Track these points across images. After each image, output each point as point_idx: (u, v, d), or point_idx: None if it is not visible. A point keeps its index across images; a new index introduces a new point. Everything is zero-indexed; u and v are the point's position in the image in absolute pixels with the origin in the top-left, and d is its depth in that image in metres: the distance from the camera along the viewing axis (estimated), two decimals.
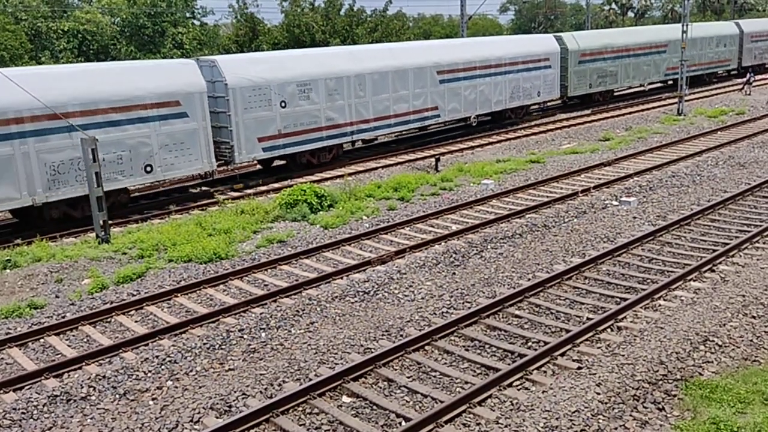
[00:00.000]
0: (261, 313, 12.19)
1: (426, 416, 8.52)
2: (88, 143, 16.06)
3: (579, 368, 9.69)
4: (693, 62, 42.64)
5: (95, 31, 47.61)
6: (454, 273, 13.88)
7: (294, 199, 18.67)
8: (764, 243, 14.72)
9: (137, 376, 10.16)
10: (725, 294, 12.04)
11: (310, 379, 9.78)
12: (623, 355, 9.95)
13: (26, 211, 18.29)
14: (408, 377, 9.87)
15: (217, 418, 9.00)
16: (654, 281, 12.83)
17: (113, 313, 12.55)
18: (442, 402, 8.99)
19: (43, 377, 10.21)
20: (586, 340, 10.59)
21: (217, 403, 9.30)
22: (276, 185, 22.59)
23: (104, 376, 10.13)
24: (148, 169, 19.46)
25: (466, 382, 9.58)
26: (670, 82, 42.24)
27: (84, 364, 10.61)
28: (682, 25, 34.45)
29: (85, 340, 11.69)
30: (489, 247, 15.33)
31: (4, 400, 9.69)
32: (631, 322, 11.15)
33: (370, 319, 11.85)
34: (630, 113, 35.39)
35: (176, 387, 9.84)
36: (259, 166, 25.49)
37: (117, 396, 9.65)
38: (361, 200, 19.60)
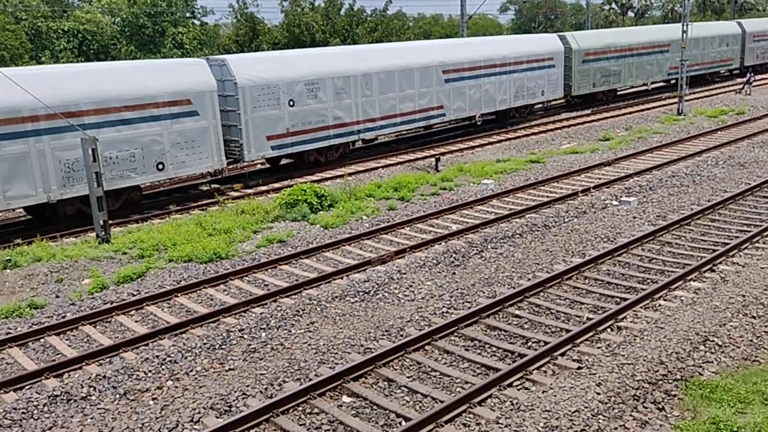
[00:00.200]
0: (261, 313, 12.19)
1: (426, 416, 8.53)
2: (88, 143, 16.07)
3: (579, 368, 9.69)
4: (696, 62, 42.76)
5: (95, 31, 47.62)
6: (454, 273, 13.88)
7: (294, 199, 18.68)
8: (764, 243, 14.72)
9: (137, 376, 10.17)
10: (725, 294, 12.05)
11: (310, 379, 9.78)
12: (623, 355, 9.96)
13: (40, 209, 18.50)
14: (408, 377, 9.87)
15: (217, 418, 9.00)
16: (654, 281, 12.84)
17: (113, 313, 12.56)
18: (442, 402, 8.99)
19: (43, 377, 10.22)
20: (586, 340, 10.59)
21: (218, 403, 9.30)
22: (276, 185, 22.60)
23: (104, 376, 10.13)
24: (160, 166, 19.70)
25: (466, 382, 9.59)
26: (672, 82, 42.29)
27: (84, 364, 10.61)
28: (683, 25, 34.48)
29: (85, 340, 11.69)
30: (489, 247, 15.33)
31: (5, 400, 9.69)
32: (631, 322, 11.15)
33: (370, 319, 11.86)
34: (630, 113, 35.40)
35: (176, 387, 9.84)
36: (267, 165, 25.66)
37: (117, 396, 9.65)
38: (361, 200, 19.60)
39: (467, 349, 10.63)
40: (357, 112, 25.12)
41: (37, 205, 17.94)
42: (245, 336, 11.34)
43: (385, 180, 21.91)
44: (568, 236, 15.86)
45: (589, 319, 11.41)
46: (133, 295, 13.37)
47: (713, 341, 10.40)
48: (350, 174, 23.23)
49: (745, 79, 41.66)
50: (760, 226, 15.55)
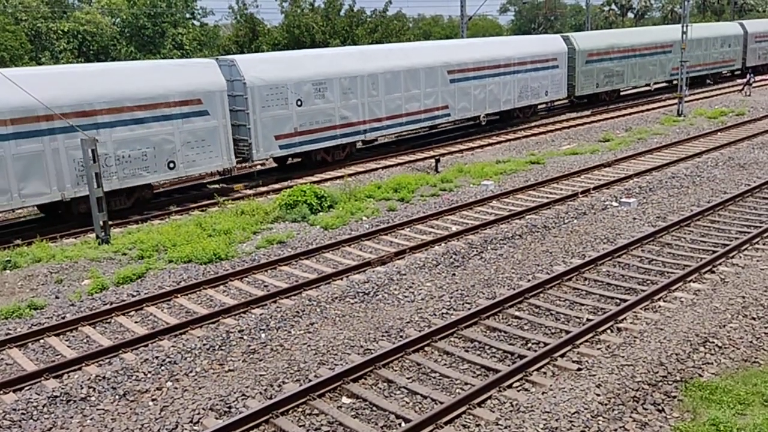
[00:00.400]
0: (261, 314, 12.19)
1: (426, 417, 8.53)
2: (87, 143, 16.07)
3: (579, 369, 9.69)
4: (698, 62, 42.95)
5: (95, 32, 47.62)
6: (453, 274, 13.88)
7: (294, 199, 18.67)
8: (764, 244, 14.72)
9: (137, 376, 10.16)
10: (725, 295, 12.05)
11: (310, 380, 9.78)
12: (623, 357, 9.95)
13: (53, 206, 18.68)
14: (408, 378, 9.87)
15: (216, 419, 9.00)
16: (654, 282, 12.83)
17: (113, 314, 12.55)
18: (441, 403, 8.99)
19: (42, 378, 10.21)
20: (586, 341, 10.59)
21: (217, 404, 9.30)
22: (276, 186, 22.61)
23: (104, 377, 10.13)
24: (171, 165, 19.94)
25: (466, 383, 9.58)
26: (675, 82, 42.43)
27: (84, 364, 10.61)
28: (682, 26, 34.52)
29: (84, 340, 11.68)
30: (489, 248, 15.33)
31: (4, 400, 9.69)
32: (630, 323, 11.15)
33: (369, 320, 11.86)
34: (630, 114, 35.41)
35: (176, 388, 9.84)
36: (274, 164, 25.88)
37: (117, 397, 9.65)
38: (361, 201, 19.60)
39: (467, 350, 10.62)
40: (363, 111, 25.34)
41: (51, 203, 18.18)
42: (245, 337, 11.34)
43: (385, 181, 21.91)
44: (568, 237, 15.86)
45: (588, 320, 11.40)
46: (133, 296, 13.37)
47: (713, 342, 10.40)
48: (350, 175, 23.25)
49: (745, 80, 41.68)
50: (760, 227, 15.55)
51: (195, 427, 8.84)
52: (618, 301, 12.13)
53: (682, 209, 17.66)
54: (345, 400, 9.37)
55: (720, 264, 13.53)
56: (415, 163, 25.57)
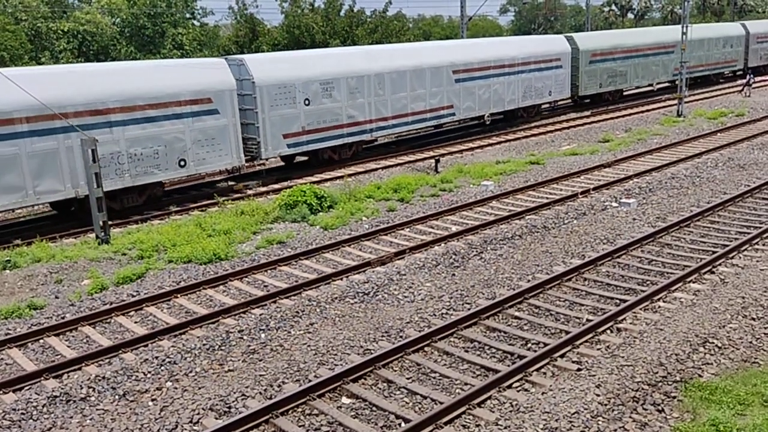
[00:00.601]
0: (261, 314, 12.19)
1: (425, 417, 8.53)
2: (87, 144, 16.07)
3: (578, 370, 9.69)
4: (700, 63, 43.20)
5: (95, 32, 47.60)
6: (453, 274, 13.88)
7: (294, 200, 18.67)
8: (764, 245, 14.73)
9: (137, 376, 10.16)
10: (725, 296, 12.05)
11: (310, 380, 9.78)
12: (623, 357, 9.96)
13: (67, 204, 18.94)
14: (408, 378, 9.87)
15: (216, 419, 8.99)
16: (653, 283, 12.84)
17: (113, 314, 12.55)
18: (441, 403, 8.99)
19: (42, 378, 10.21)
20: (586, 341, 10.59)
21: (217, 404, 9.29)
22: (275, 186, 22.63)
23: (104, 377, 10.13)
24: (182, 163, 20.21)
25: (466, 384, 9.59)
26: (677, 82, 42.54)
27: (84, 364, 10.61)
28: (682, 27, 34.54)
29: (84, 340, 11.68)
30: (489, 248, 15.33)
31: (4, 400, 9.68)
32: (630, 323, 11.15)
33: (369, 320, 11.86)
34: (630, 114, 35.43)
35: (176, 388, 9.84)
36: (282, 162, 26.14)
37: (116, 397, 9.65)
38: (360, 201, 19.60)
39: (467, 351, 10.63)
40: (370, 111, 25.58)
41: (65, 200, 18.43)
42: (245, 337, 11.34)
43: (385, 181, 21.91)
44: (568, 238, 15.87)
45: (588, 320, 11.40)
46: (133, 296, 13.37)
47: (713, 343, 10.40)
48: (350, 175, 23.26)
49: (744, 81, 41.70)
50: (760, 227, 15.56)
51: (195, 427, 8.84)
52: (618, 301, 12.13)
53: (681, 210, 17.67)
54: (345, 400, 9.37)
55: (720, 264, 13.53)
56: (414, 164, 25.57)
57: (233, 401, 9.37)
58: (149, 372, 10.28)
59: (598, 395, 8.99)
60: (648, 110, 36.70)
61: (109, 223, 17.11)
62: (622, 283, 12.95)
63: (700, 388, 9.22)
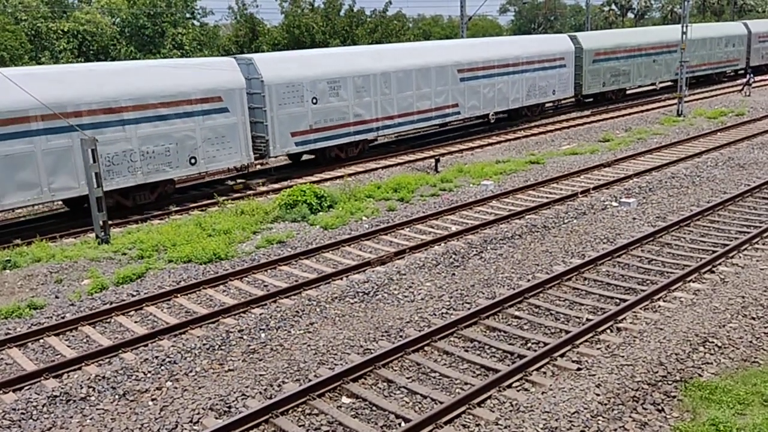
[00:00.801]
0: (261, 314, 12.19)
1: (425, 417, 8.53)
2: (87, 144, 16.07)
3: (578, 369, 9.69)
4: (703, 62, 43.50)
5: (95, 32, 47.56)
6: (453, 274, 13.88)
7: (294, 199, 18.68)
8: (764, 244, 14.73)
9: (137, 376, 10.16)
10: (725, 295, 12.05)
11: (310, 380, 9.78)
12: (623, 356, 9.96)
13: (80, 201, 19.16)
14: (408, 378, 9.87)
15: (216, 418, 9.00)
16: (653, 282, 12.84)
17: (113, 314, 12.55)
18: (441, 403, 8.99)
19: (42, 378, 10.21)
20: (586, 341, 10.59)
21: (217, 404, 9.30)
22: (276, 186, 22.64)
23: (104, 377, 10.13)
24: (193, 161, 20.48)
25: (466, 383, 9.59)
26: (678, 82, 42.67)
27: (83, 364, 10.61)
28: (682, 26, 34.55)
29: (84, 340, 11.68)
30: (488, 248, 15.33)
31: (4, 400, 9.69)
32: (630, 323, 11.15)
33: (369, 319, 11.86)
34: (630, 114, 35.44)
35: (176, 387, 9.84)
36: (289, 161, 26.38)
37: (116, 396, 9.65)
38: (360, 201, 19.60)
39: (467, 350, 10.63)
40: (376, 109, 25.81)
41: (78, 197, 18.64)
42: (245, 337, 11.34)
43: (385, 181, 21.91)
44: (568, 237, 15.87)
45: (588, 320, 11.41)
46: (133, 296, 13.37)
47: (713, 342, 10.41)
48: (350, 175, 23.27)
49: (744, 80, 41.69)
50: (760, 227, 15.56)
51: (195, 427, 8.84)
52: (618, 300, 12.13)
53: (681, 209, 17.67)
54: (345, 399, 9.37)
55: (720, 264, 13.53)
56: (414, 163, 25.57)
57: (233, 401, 9.37)
58: (149, 372, 10.28)
59: (598, 395, 8.99)
60: (648, 110, 36.70)
61: (109, 222, 17.11)
62: (622, 283, 12.96)
63: (700, 387, 9.22)
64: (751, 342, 10.49)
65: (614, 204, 18.49)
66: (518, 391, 9.29)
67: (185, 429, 8.80)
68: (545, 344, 10.50)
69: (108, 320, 12.41)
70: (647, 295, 11.92)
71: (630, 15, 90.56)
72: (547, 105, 36.27)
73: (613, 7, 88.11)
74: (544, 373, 9.74)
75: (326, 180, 23.19)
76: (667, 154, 24.99)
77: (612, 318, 11.18)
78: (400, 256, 14.99)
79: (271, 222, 18.14)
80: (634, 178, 21.25)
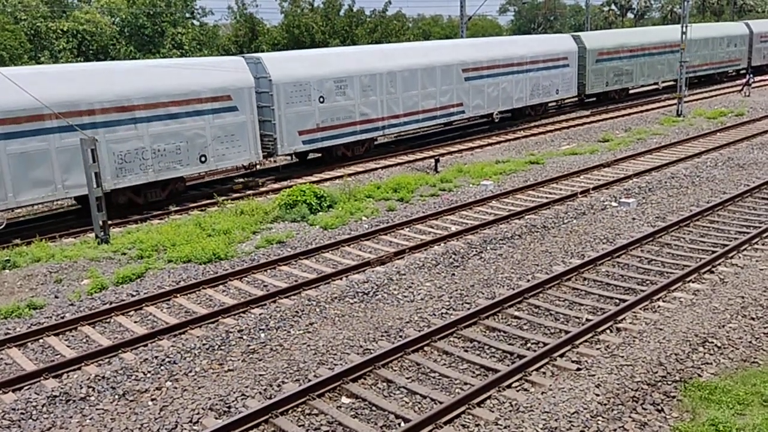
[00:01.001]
0: (260, 314, 12.19)
1: (425, 417, 8.53)
2: (87, 144, 16.07)
3: (578, 369, 9.70)
4: (705, 62, 43.77)
5: (94, 32, 47.55)
6: (453, 274, 13.88)
7: (293, 199, 18.67)
8: (763, 244, 14.73)
9: (136, 376, 10.16)
10: (724, 295, 12.06)
11: (310, 380, 9.78)
12: (622, 357, 9.96)
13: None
14: (407, 378, 9.87)
15: (216, 418, 9.00)
16: (653, 282, 12.84)
17: (112, 314, 12.55)
18: (441, 403, 8.99)
19: (42, 378, 10.21)
20: (586, 341, 10.60)
21: (217, 404, 9.30)
22: (275, 186, 22.65)
23: (103, 377, 10.13)
24: (203, 159, 20.72)
25: (466, 383, 9.59)
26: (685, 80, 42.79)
27: (83, 364, 10.61)
28: (682, 26, 34.55)
29: (84, 340, 11.68)
30: (488, 248, 15.33)
31: (4, 400, 9.68)
32: (630, 323, 11.16)
33: (369, 319, 11.86)
34: (629, 114, 35.46)
35: (175, 387, 9.84)
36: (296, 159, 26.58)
37: (116, 396, 9.65)
38: (360, 201, 19.60)
39: (466, 350, 10.63)
40: (382, 108, 26.01)
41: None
42: (244, 337, 11.34)
43: (385, 181, 21.91)
44: (567, 237, 15.87)
45: (588, 320, 11.41)
46: (132, 296, 13.37)
47: (712, 343, 10.41)
48: (349, 175, 23.28)
49: (744, 81, 41.71)
50: (759, 227, 15.56)
51: (194, 427, 8.84)
52: (617, 301, 12.14)
53: (681, 209, 17.67)
54: (344, 400, 9.38)
55: (719, 264, 13.54)
56: (414, 163, 25.58)
57: (233, 401, 9.37)
58: (149, 372, 10.28)
59: (597, 395, 8.99)
60: (648, 110, 36.72)
61: (109, 222, 17.11)
62: (622, 283, 12.96)
63: (699, 387, 9.23)
64: (750, 342, 10.50)
65: (614, 204, 18.49)
66: (518, 391, 9.29)
67: (185, 429, 8.80)
68: (545, 344, 10.51)
69: (108, 320, 12.40)
70: (647, 296, 11.93)
71: (630, 15, 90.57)
72: (550, 104, 36.47)
73: (613, 7, 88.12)
74: (544, 373, 9.75)
75: (326, 180, 23.19)
76: (666, 154, 24.99)
77: (612, 318, 11.18)
78: (400, 256, 14.99)
79: (270, 222, 18.13)
80: (633, 178, 21.26)
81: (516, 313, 11.85)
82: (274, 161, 25.21)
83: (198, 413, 9.10)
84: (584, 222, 17.02)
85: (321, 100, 23.82)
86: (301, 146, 23.89)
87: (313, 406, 9.15)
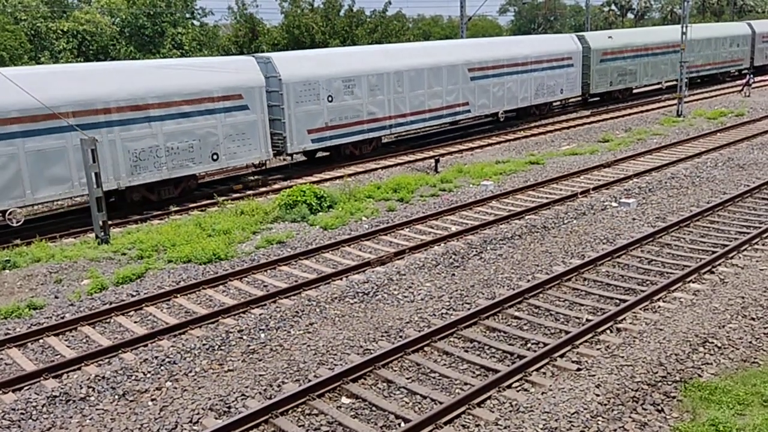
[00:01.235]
0: (260, 314, 12.19)
1: (425, 417, 8.53)
2: (87, 144, 16.07)
3: (578, 369, 9.70)
4: (707, 62, 44.00)
5: (94, 32, 47.54)
6: (453, 274, 13.88)
7: (293, 200, 18.67)
8: (763, 245, 14.73)
9: (136, 376, 10.16)
10: (724, 296, 12.05)
11: (310, 380, 9.78)
12: (622, 357, 9.96)
13: (107, 195, 19.52)
14: (407, 378, 9.87)
15: (216, 419, 8.99)
16: (653, 283, 12.84)
17: (112, 314, 12.55)
18: (441, 403, 8.99)
19: (42, 378, 10.21)
20: (586, 341, 10.59)
21: (217, 404, 9.29)
22: (275, 186, 22.66)
23: (103, 377, 10.13)
24: (215, 157, 20.99)
25: (466, 383, 9.59)
26: (685, 80, 42.73)
27: (83, 364, 10.61)
28: (682, 27, 34.56)
29: (84, 340, 11.68)
30: (488, 248, 15.33)
31: (4, 400, 9.68)
32: (630, 323, 11.15)
33: (369, 320, 11.86)
34: (630, 114, 35.46)
35: (175, 388, 9.83)
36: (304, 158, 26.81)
37: (116, 397, 9.65)
38: (360, 201, 19.60)
39: (466, 351, 10.63)
40: (389, 107, 26.25)
41: (106, 191, 18.78)
42: (244, 337, 11.34)
43: (385, 181, 21.91)
44: (568, 238, 15.87)
45: (588, 320, 11.41)
46: (132, 296, 13.37)
47: (712, 343, 10.41)
48: (349, 175, 23.29)
49: (744, 81, 41.71)
50: (759, 227, 15.56)
51: (194, 427, 8.84)
52: (617, 301, 12.13)
53: (681, 210, 17.67)
54: (344, 400, 9.37)
55: (719, 264, 13.53)
56: (414, 164, 25.58)
57: (233, 401, 9.37)
58: (149, 372, 10.27)
59: (597, 395, 8.99)
60: (648, 110, 36.72)
61: (109, 222, 17.11)
62: (622, 283, 12.96)
63: (699, 388, 9.22)
64: (750, 342, 10.50)
65: (614, 204, 18.49)
66: (518, 391, 9.29)
67: (185, 429, 8.79)
68: (545, 344, 10.50)
69: (107, 320, 12.40)
70: (647, 296, 11.93)
71: (630, 15, 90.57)
72: (554, 104, 36.63)
73: (613, 7, 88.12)
74: (544, 373, 9.74)
75: (326, 180, 23.19)
76: (666, 154, 24.99)
77: (612, 318, 11.18)
78: (400, 257, 14.99)
79: (270, 222, 18.13)
80: (633, 178, 21.25)
81: (516, 314, 11.85)
82: (284, 159, 25.46)
83: (198, 413, 9.10)
84: (584, 222, 17.02)
85: (330, 99, 24.06)
86: (310, 145, 24.14)
87: (313, 407, 9.15)
